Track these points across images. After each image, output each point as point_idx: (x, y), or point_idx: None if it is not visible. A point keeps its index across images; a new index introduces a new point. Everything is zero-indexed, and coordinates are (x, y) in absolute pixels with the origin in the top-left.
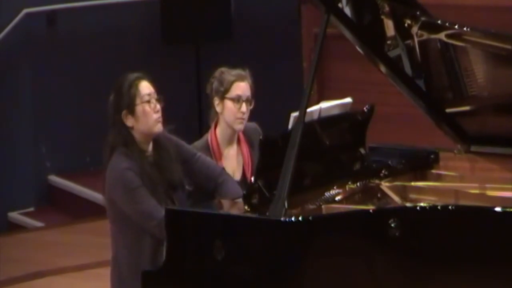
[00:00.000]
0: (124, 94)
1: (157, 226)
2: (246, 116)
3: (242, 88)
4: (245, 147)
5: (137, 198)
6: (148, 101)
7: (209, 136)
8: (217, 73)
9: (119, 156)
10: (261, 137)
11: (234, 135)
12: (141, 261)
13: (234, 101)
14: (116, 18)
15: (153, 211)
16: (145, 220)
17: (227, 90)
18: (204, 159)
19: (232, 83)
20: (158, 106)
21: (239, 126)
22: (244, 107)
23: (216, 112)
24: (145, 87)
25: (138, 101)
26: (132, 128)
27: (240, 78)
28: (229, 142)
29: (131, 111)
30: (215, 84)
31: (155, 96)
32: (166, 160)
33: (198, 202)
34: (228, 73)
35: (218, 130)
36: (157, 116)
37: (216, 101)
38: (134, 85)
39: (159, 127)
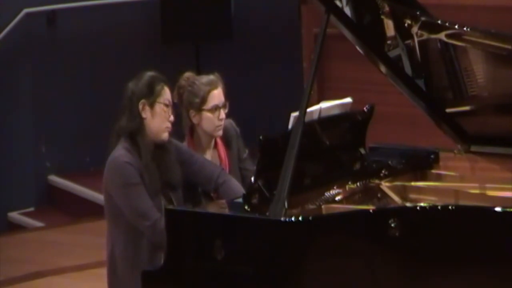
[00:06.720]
0: (149, 86)
1: (150, 227)
2: (224, 120)
3: (217, 96)
4: (222, 150)
5: (134, 195)
6: (167, 106)
7: (186, 145)
8: (184, 82)
9: (122, 150)
10: (261, 137)
11: (212, 141)
12: (138, 257)
13: (212, 111)
14: (116, 18)
15: (148, 212)
16: (138, 218)
17: (203, 102)
18: (203, 160)
19: (207, 93)
20: (172, 117)
21: (219, 133)
22: (222, 114)
23: (190, 121)
24: (169, 94)
25: (160, 99)
26: (144, 119)
27: (214, 86)
28: (207, 148)
29: (151, 104)
30: (188, 96)
31: (171, 106)
32: (167, 161)
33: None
34: (200, 83)
35: (194, 138)
36: (168, 124)
37: (192, 113)
38: (162, 85)
39: (165, 136)
